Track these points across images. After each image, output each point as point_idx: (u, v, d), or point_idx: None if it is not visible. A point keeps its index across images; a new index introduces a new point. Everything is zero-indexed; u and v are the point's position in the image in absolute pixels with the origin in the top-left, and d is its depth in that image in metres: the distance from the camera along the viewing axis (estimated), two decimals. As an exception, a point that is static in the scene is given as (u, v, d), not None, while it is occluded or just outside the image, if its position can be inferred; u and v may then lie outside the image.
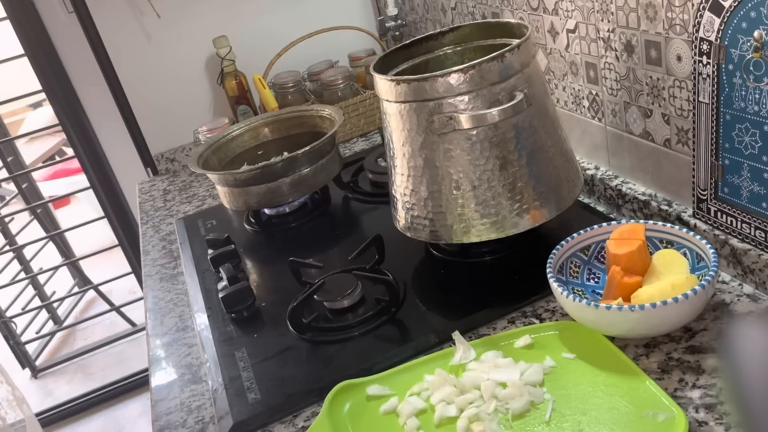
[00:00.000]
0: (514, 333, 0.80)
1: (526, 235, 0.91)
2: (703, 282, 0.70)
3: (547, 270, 0.79)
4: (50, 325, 2.92)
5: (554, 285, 0.76)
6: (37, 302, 2.82)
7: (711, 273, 0.71)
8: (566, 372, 0.73)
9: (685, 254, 0.79)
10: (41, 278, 2.85)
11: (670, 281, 0.72)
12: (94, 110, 1.89)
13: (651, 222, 0.82)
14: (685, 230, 0.80)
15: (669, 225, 0.81)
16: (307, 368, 0.84)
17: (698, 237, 0.78)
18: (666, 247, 0.81)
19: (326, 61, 1.69)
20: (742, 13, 0.70)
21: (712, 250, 0.74)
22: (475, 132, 0.84)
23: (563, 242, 0.84)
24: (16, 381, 2.29)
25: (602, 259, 0.85)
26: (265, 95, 1.54)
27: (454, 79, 0.82)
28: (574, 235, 0.85)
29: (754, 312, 0.76)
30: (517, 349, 0.78)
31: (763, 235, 0.76)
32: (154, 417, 0.84)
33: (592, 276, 0.85)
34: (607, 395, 0.68)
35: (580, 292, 0.82)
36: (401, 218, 0.95)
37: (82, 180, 2.29)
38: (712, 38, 0.74)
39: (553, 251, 0.82)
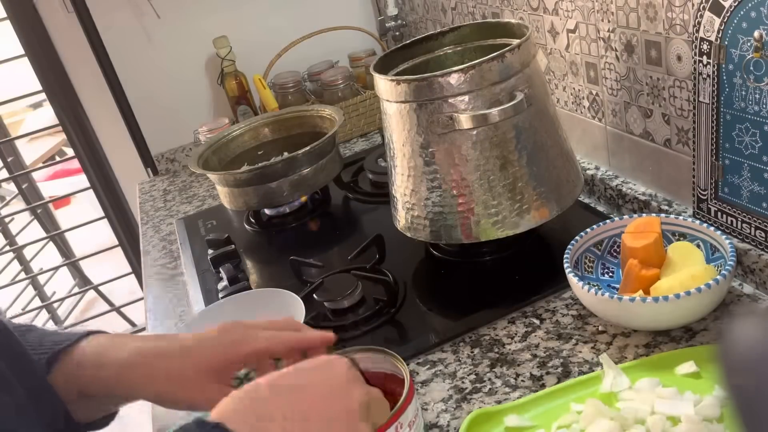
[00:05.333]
0: (671, 356, 0.71)
1: (526, 235, 0.91)
2: (723, 272, 0.71)
3: (565, 264, 0.79)
4: (50, 326, 2.92)
5: (573, 279, 0.76)
6: (37, 302, 2.82)
7: (731, 262, 0.72)
8: None
9: (699, 246, 0.80)
10: (41, 278, 2.85)
11: (690, 272, 0.73)
12: (94, 110, 1.88)
13: (664, 215, 0.83)
14: (698, 222, 0.80)
15: (681, 218, 0.82)
16: (307, 368, 0.84)
17: (712, 228, 0.78)
18: (679, 240, 0.82)
19: (326, 61, 1.69)
20: (742, 13, 0.70)
21: (728, 240, 0.75)
22: (475, 132, 0.84)
23: (578, 237, 0.84)
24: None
25: (615, 254, 0.85)
26: (265, 95, 1.54)
27: (454, 79, 0.82)
28: (588, 230, 0.85)
29: (755, 312, 0.75)
30: (678, 376, 0.68)
31: (763, 235, 0.76)
32: (154, 416, 0.84)
33: (606, 270, 0.85)
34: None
35: (596, 287, 0.82)
36: (401, 218, 0.95)
37: (82, 180, 2.29)
38: (713, 38, 0.74)
39: (569, 246, 0.82)
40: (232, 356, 0.63)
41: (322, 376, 0.51)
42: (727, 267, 0.72)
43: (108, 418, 0.68)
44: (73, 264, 2.89)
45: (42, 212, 2.83)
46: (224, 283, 1.03)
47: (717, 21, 0.73)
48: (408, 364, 0.71)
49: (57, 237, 2.82)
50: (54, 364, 0.62)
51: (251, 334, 0.65)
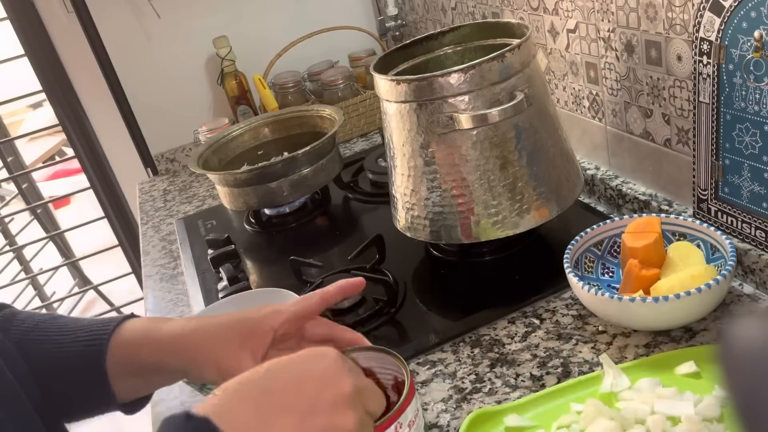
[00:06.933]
0: (671, 356, 0.71)
1: (526, 235, 0.91)
2: (723, 272, 0.71)
3: (565, 264, 0.79)
4: (50, 326, 2.91)
5: (573, 279, 0.76)
6: (37, 302, 2.82)
7: (731, 262, 0.72)
8: None
9: (699, 246, 0.80)
10: (41, 278, 2.85)
11: (690, 272, 0.73)
12: (94, 110, 1.88)
13: (664, 215, 0.83)
14: (698, 222, 0.80)
15: (682, 218, 0.82)
16: (307, 368, 0.84)
17: (713, 228, 0.78)
18: (679, 240, 0.82)
19: (326, 61, 1.69)
20: (742, 13, 0.70)
21: (728, 240, 0.75)
22: (475, 132, 0.84)
23: (578, 237, 0.84)
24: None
25: (615, 254, 0.85)
26: (265, 95, 1.54)
27: (454, 79, 0.82)
28: (588, 230, 0.85)
29: (755, 312, 0.75)
30: (678, 376, 0.68)
31: (763, 235, 0.76)
32: (154, 417, 0.84)
33: (606, 270, 0.85)
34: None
35: (596, 287, 0.82)
36: (401, 218, 0.95)
37: (82, 180, 2.29)
38: (713, 38, 0.74)
39: (569, 246, 0.82)
40: (268, 325, 0.65)
41: (312, 367, 0.50)
42: (727, 267, 0.72)
43: (143, 402, 0.69)
44: (73, 264, 2.89)
45: (42, 212, 2.83)
46: (224, 283, 1.03)
47: (717, 21, 0.73)
48: (408, 364, 0.71)
49: (57, 237, 2.82)
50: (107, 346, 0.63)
51: (279, 305, 0.67)
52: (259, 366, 0.50)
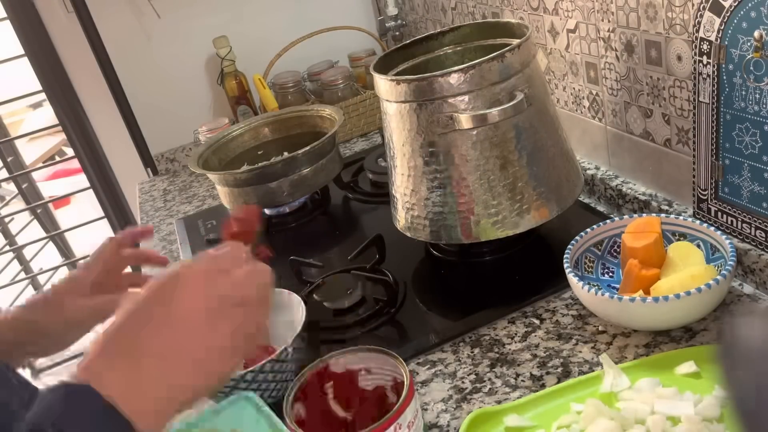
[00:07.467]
0: (671, 356, 0.71)
1: (526, 235, 0.91)
2: (723, 272, 0.71)
3: (565, 264, 0.79)
4: (50, 325, 2.91)
5: (573, 279, 0.76)
6: (37, 302, 2.82)
7: (731, 262, 0.72)
8: None
9: (699, 246, 0.80)
10: (41, 278, 2.85)
11: (690, 272, 0.73)
12: (94, 110, 1.88)
13: (664, 215, 0.83)
14: (698, 222, 0.80)
15: (682, 218, 0.82)
16: (307, 368, 0.84)
17: (713, 228, 0.78)
18: (679, 240, 0.82)
19: (326, 61, 1.69)
20: (742, 13, 0.70)
21: (728, 240, 0.75)
22: (475, 132, 0.84)
23: (578, 237, 0.84)
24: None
25: (615, 254, 0.85)
26: (265, 95, 1.54)
27: (454, 79, 0.82)
28: (588, 230, 0.85)
29: (755, 312, 0.75)
30: (678, 376, 0.68)
31: (763, 235, 0.76)
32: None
33: (606, 270, 0.85)
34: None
35: (596, 287, 0.82)
36: (401, 218, 0.95)
37: (82, 180, 2.29)
38: (713, 38, 0.74)
39: (569, 246, 0.82)
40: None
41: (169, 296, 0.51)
42: (727, 267, 0.72)
43: None
44: (73, 264, 2.89)
45: (42, 212, 2.83)
46: (224, 283, 1.03)
47: (717, 21, 0.73)
48: (408, 364, 0.72)
49: (57, 237, 2.81)
50: None
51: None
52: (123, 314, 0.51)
